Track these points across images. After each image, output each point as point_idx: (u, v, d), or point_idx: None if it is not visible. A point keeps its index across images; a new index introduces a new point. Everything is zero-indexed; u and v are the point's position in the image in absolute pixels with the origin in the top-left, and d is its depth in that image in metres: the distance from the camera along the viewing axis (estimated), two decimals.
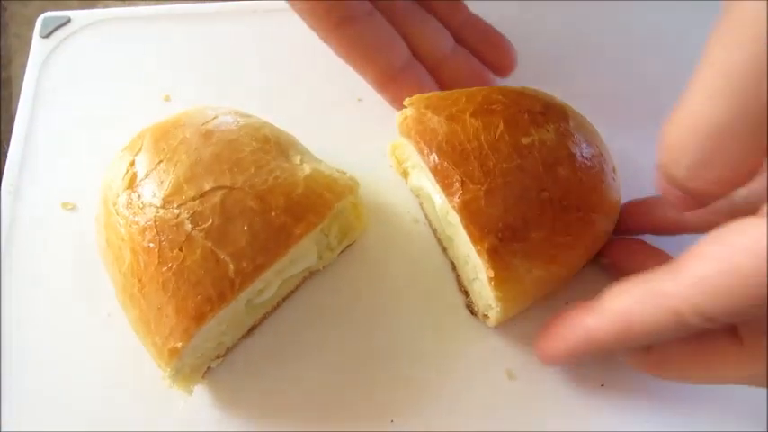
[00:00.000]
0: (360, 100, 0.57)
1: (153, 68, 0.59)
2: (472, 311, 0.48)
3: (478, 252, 0.41)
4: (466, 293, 0.48)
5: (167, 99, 0.57)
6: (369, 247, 0.51)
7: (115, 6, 0.69)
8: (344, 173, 0.47)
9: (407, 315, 0.48)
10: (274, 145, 0.46)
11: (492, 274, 0.41)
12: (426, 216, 0.52)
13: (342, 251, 0.50)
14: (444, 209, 0.46)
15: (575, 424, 0.45)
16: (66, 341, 0.48)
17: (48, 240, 0.52)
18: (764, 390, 0.44)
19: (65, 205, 0.53)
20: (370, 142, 0.55)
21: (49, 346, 0.48)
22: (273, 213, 0.42)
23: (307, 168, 0.45)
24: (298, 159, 0.46)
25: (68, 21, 0.62)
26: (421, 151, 0.44)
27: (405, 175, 0.52)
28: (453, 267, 0.50)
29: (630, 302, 0.35)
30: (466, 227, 0.42)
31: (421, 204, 0.52)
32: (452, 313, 0.48)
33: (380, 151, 0.54)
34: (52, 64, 0.60)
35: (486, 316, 0.46)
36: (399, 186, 0.53)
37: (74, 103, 0.58)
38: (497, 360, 0.47)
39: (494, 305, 0.43)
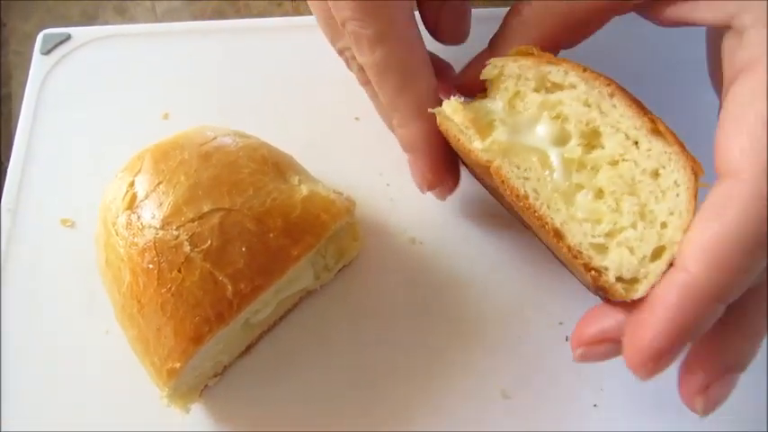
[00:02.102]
0: (357, 119, 0.58)
1: (152, 86, 0.60)
2: (604, 289, 0.36)
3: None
4: (595, 270, 0.37)
5: (166, 117, 0.58)
6: (365, 267, 0.51)
7: (114, 21, 0.69)
8: (341, 193, 0.47)
9: (403, 335, 0.49)
10: (272, 166, 0.46)
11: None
12: (515, 190, 0.39)
13: (338, 271, 0.50)
14: (574, 161, 0.39)
15: None
16: (63, 358, 0.48)
17: (46, 257, 0.52)
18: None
19: (64, 222, 0.53)
20: (368, 161, 0.55)
21: (46, 362, 0.48)
22: (271, 235, 0.42)
23: (304, 189, 0.45)
24: (295, 180, 0.46)
25: (69, 37, 0.62)
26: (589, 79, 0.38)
27: (483, 131, 0.41)
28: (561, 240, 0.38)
29: (713, 231, 0.31)
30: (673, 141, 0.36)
31: (499, 172, 0.39)
32: (448, 333, 0.49)
33: (378, 170, 0.55)
34: (52, 80, 0.60)
35: (633, 282, 0.36)
36: (396, 206, 0.54)
37: (73, 120, 0.58)
38: (492, 379, 0.47)
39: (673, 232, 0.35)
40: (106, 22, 0.70)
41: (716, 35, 0.42)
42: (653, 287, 0.34)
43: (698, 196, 0.35)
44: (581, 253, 0.37)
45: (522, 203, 0.39)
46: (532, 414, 0.46)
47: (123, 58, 0.62)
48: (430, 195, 0.53)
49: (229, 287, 0.41)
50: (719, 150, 0.32)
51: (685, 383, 0.35)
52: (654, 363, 0.32)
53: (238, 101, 0.59)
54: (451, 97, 0.42)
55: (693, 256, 0.32)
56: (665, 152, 0.36)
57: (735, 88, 0.33)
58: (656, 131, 0.36)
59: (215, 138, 0.47)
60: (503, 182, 0.39)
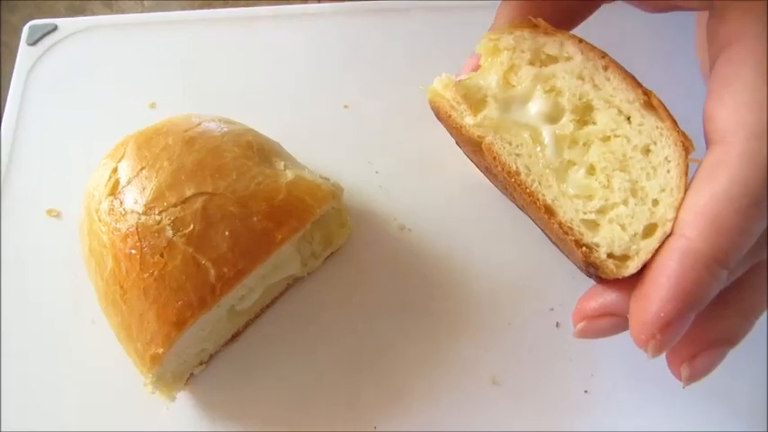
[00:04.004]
0: (346, 107, 0.57)
1: (139, 75, 0.60)
2: (595, 265, 0.35)
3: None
4: (586, 246, 0.36)
5: (153, 106, 0.57)
6: (353, 254, 0.51)
7: (102, 14, 0.69)
8: (328, 179, 0.47)
9: (392, 322, 0.48)
10: (257, 151, 0.46)
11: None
12: (506, 166, 0.39)
13: (326, 258, 0.50)
14: (566, 137, 0.38)
15: (559, 428, 0.45)
16: (49, 347, 0.48)
17: (32, 247, 0.52)
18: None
19: (50, 212, 0.53)
20: (357, 149, 0.55)
21: (32, 352, 0.48)
22: (255, 218, 0.42)
23: (289, 174, 0.45)
24: (281, 165, 0.46)
25: (55, 28, 0.62)
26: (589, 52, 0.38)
27: (475, 107, 0.41)
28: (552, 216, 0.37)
29: (706, 195, 0.31)
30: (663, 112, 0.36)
31: (491, 148, 0.39)
32: (437, 320, 0.48)
33: (367, 158, 0.54)
34: (39, 71, 0.60)
35: (624, 258, 0.35)
36: (385, 193, 0.53)
37: (60, 110, 0.58)
38: (481, 366, 0.47)
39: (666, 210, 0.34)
40: (93, 13, 0.70)
41: (702, 20, 0.42)
42: (645, 264, 0.33)
43: (689, 173, 0.34)
44: (572, 229, 0.36)
45: (513, 180, 0.38)
46: (523, 400, 0.46)
47: (109, 48, 0.61)
48: (418, 182, 0.53)
49: (212, 271, 0.40)
50: (707, 122, 0.32)
51: (673, 351, 0.34)
52: (662, 334, 0.31)
53: (226, 90, 0.58)
54: (443, 74, 0.42)
55: (690, 222, 0.31)
56: (657, 127, 0.35)
57: (719, 62, 0.33)
58: (649, 105, 0.36)
59: (200, 124, 0.47)
60: (494, 158, 0.39)
